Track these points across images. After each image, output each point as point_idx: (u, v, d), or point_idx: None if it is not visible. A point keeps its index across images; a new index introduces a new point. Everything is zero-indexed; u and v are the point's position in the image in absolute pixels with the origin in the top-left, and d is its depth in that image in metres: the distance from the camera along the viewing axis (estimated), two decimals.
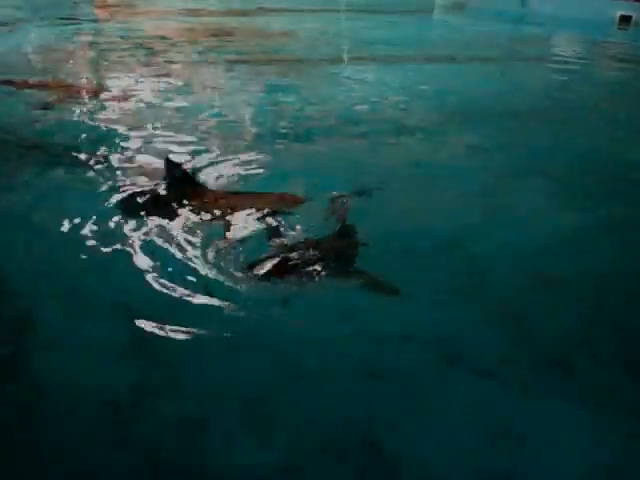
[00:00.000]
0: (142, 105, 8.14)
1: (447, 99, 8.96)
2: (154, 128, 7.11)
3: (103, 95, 8.50)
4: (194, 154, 6.19)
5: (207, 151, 6.34)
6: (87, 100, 8.24)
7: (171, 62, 11.00)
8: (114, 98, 8.35)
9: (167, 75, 9.92)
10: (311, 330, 3.50)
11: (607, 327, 3.74)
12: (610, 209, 5.33)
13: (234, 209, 4.85)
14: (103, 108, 7.94)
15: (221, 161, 6.09)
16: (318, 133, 7.23)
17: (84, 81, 9.41)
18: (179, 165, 5.37)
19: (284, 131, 7.25)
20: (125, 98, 8.31)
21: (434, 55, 12.64)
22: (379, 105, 8.57)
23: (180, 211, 4.83)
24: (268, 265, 3.90)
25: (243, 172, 5.83)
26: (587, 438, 2.89)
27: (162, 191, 5.13)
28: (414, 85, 9.86)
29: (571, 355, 3.46)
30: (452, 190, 5.50)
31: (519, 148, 6.90)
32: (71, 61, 10.94)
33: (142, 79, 9.56)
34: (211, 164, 5.98)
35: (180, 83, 9.40)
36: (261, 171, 5.86)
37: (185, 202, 4.92)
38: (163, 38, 13.64)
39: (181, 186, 5.09)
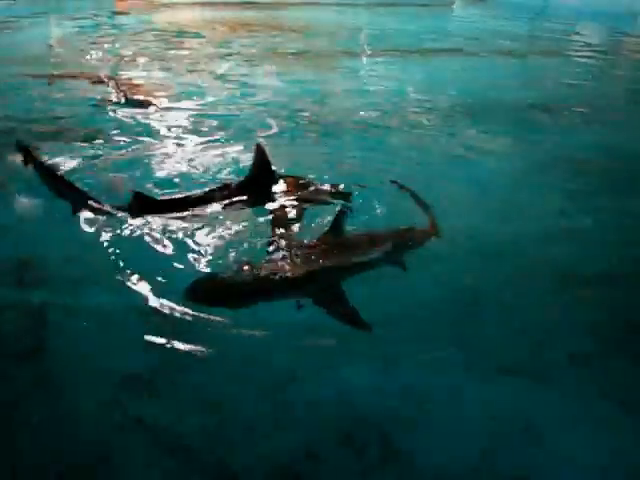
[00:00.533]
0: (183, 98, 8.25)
1: (463, 92, 8.88)
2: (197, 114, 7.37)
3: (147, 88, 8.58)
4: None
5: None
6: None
7: (196, 57, 11.10)
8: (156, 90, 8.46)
9: (195, 69, 10.04)
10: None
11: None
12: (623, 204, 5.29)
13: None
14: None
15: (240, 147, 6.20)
16: (335, 125, 7.27)
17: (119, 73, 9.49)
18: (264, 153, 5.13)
19: (302, 122, 7.33)
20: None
21: (453, 48, 12.56)
22: (396, 98, 8.56)
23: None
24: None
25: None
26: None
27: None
28: (431, 78, 9.84)
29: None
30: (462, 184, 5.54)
31: (534, 143, 6.85)
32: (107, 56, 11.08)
33: (175, 74, 9.69)
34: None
35: (206, 77, 9.50)
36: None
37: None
38: (186, 32, 13.77)
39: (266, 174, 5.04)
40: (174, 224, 4.40)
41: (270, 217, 4.58)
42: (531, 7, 19.35)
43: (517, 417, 2.98)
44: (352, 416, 2.94)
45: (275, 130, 7.00)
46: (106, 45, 12.05)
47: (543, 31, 16.06)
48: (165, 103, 7.94)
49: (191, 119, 7.24)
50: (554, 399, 3.11)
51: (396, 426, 2.89)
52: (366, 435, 2.83)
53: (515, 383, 3.18)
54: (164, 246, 4.12)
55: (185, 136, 6.59)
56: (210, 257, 3.98)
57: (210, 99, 8.18)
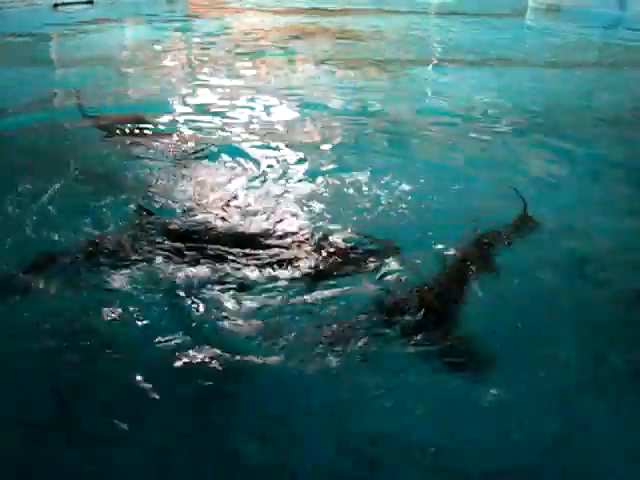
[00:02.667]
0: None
1: (530, 106, 8.69)
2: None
3: None
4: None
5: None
6: None
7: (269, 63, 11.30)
8: None
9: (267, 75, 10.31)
10: None
11: None
12: None
13: None
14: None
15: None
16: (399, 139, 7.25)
17: None
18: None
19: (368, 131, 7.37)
20: None
21: (524, 60, 12.26)
22: (460, 109, 8.47)
23: None
24: None
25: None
26: None
27: None
28: (503, 90, 9.65)
29: None
30: None
31: (608, 166, 6.59)
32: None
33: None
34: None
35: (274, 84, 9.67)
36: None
37: None
38: (256, 36, 14.00)
39: None
40: None
41: None
42: (608, 16, 18.69)
43: None
44: None
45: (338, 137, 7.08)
46: (181, 48, 12.42)
47: (620, 41, 15.46)
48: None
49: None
50: None
51: None
52: None
53: None
54: None
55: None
56: None
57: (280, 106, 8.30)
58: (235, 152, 6.49)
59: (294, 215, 5.06)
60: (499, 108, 8.52)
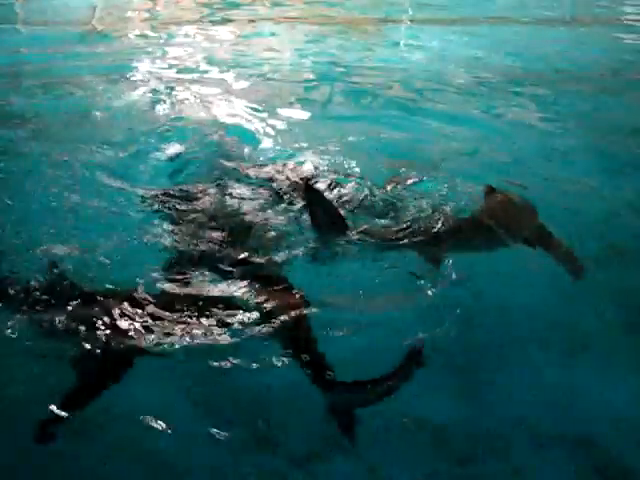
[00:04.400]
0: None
1: (492, 63, 8.68)
2: None
3: None
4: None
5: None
6: None
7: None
8: None
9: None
10: None
11: None
12: None
13: None
14: None
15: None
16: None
17: None
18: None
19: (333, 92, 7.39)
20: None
21: (490, 16, 12.08)
22: (430, 67, 8.47)
23: None
24: None
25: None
26: None
27: None
28: (473, 48, 9.60)
29: None
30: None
31: (563, 123, 6.61)
32: None
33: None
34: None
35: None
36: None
37: None
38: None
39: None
40: None
41: None
42: None
43: None
44: None
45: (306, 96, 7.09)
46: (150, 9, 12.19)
47: None
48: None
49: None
50: None
51: None
52: None
53: None
54: None
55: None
56: None
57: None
58: None
59: None
60: (466, 67, 8.48)
